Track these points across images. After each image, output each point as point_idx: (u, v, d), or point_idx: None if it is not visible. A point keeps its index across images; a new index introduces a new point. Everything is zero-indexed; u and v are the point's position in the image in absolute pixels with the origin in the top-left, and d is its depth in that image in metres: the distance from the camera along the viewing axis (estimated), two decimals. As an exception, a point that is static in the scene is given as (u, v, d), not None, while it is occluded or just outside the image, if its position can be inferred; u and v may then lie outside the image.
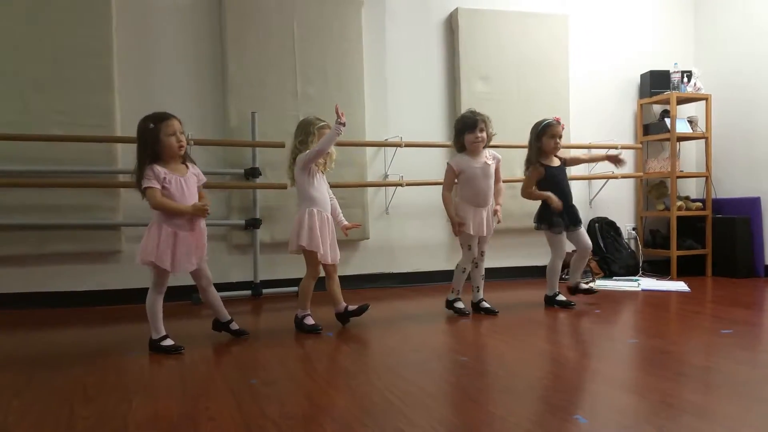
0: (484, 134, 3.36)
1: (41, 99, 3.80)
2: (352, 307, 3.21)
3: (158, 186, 2.66)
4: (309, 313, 3.14)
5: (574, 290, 3.76)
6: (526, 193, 3.65)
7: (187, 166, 2.80)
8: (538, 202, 3.70)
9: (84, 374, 2.36)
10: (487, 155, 3.43)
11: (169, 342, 2.74)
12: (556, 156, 3.66)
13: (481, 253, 3.53)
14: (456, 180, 3.45)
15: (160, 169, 2.67)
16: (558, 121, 3.60)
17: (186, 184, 2.73)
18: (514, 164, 4.52)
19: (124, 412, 1.91)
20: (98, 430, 1.77)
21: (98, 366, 2.49)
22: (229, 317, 2.97)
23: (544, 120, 3.62)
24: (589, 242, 3.67)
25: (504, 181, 3.94)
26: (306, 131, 3.09)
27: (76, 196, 3.85)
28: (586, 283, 3.89)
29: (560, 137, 3.59)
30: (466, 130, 3.37)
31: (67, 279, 3.93)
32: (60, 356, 2.68)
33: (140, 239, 3.92)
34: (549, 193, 3.56)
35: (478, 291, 3.56)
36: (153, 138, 2.67)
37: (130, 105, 4.01)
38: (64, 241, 3.87)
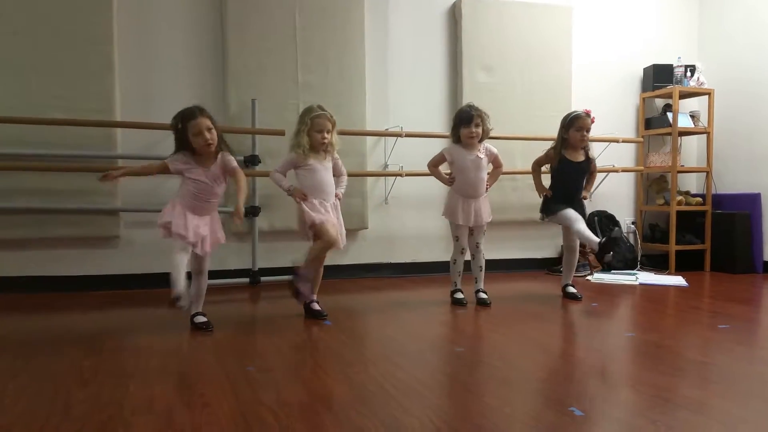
0: (480, 129, 3.39)
1: (41, 83, 3.78)
2: (315, 307, 3.15)
3: (171, 168, 2.76)
4: (308, 276, 3.11)
5: (563, 291, 3.73)
6: (532, 169, 3.73)
7: (215, 160, 2.81)
8: (537, 195, 3.71)
9: (81, 358, 2.36)
10: (481, 149, 3.45)
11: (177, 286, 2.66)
12: (583, 149, 3.62)
13: (476, 245, 3.53)
14: (451, 170, 3.52)
15: (189, 161, 2.76)
16: (588, 114, 3.57)
17: (207, 176, 2.78)
18: (515, 156, 4.51)
19: (120, 396, 1.91)
20: (94, 414, 1.77)
21: (95, 350, 2.49)
22: (198, 311, 2.91)
23: (574, 111, 3.62)
24: (575, 243, 3.67)
25: (504, 173, 3.94)
26: (302, 120, 3.08)
27: (75, 180, 3.84)
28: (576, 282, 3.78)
29: (588, 130, 3.55)
30: (462, 124, 3.40)
31: (65, 263, 3.92)
32: (57, 340, 2.68)
33: (138, 225, 4.00)
34: (540, 186, 3.66)
35: (477, 282, 3.58)
36: (182, 137, 2.75)
37: (129, 90, 4.00)
38: (63, 226, 3.86)
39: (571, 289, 3.70)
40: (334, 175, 3.18)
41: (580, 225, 3.47)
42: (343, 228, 3.18)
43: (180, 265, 2.71)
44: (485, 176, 3.48)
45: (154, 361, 2.36)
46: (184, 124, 2.72)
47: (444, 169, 3.58)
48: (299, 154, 3.05)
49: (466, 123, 3.39)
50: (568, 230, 3.63)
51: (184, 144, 2.76)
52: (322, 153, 3.11)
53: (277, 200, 4.18)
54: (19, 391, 1.99)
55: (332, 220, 3.08)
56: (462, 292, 3.55)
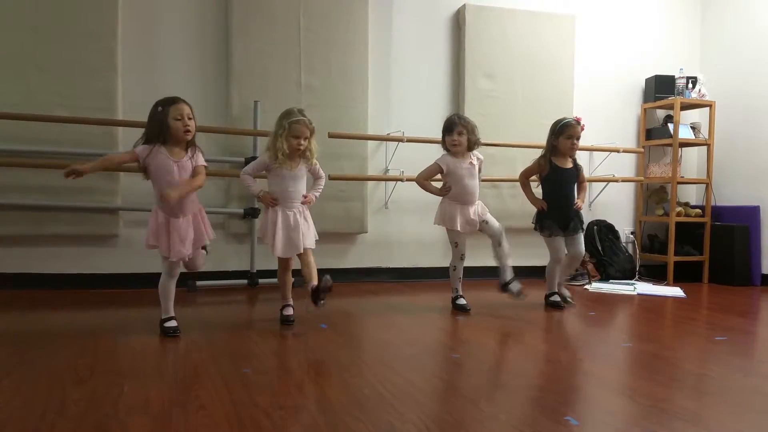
0: (463, 138, 3.41)
1: (44, 80, 3.78)
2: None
3: (138, 153, 2.69)
4: (286, 301, 3.12)
5: (546, 298, 3.73)
6: (521, 182, 3.74)
7: (187, 154, 2.77)
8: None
9: (76, 357, 2.35)
10: (472, 157, 3.49)
11: (170, 324, 2.77)
12: (570, 157, 3.65)
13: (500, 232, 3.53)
14: (443, 180, 3.52)
15: (160, 150, 2.70)
16: (578, 122, 3.58)
17: (179, 167, 2.72)
18: (516, 163, 4.51)
19: (115, 396, 1.91)
20: (89, 414, 1.76)
21: (91, 349, 2.48)
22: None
23: (564, 118, 3.61)
24: (581, 251, 3.65)
25: (504, 180, 3.92)
26: (279, 123, 2.98)
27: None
28: (569, 295, 3.78)
29: (578, 138, 3.57)
30: (446, 132, 3.47)
31: (64, 261, 3.92)
32: (53, 338, 2.67)
33: (138, 224, 3.99)
34: (534, 198, 3.67)
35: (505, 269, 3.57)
36: (160, 121, 2.69)
37: (132, 89, 4.00)
38: (62, 223, 3.85)
39: (556, 298, 3.70)
40: (312, 176, 3.12)
41: (555, 266, 3.66)
42: (310, 230, 3.05)
43: (169, 293, 2.79)
44: (478, 183, 3.51)
45: (150, 361, 2.36)
46: (165, 108, 2.68)
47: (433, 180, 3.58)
48: (272, 158, 2.97)
49: (448, 131, 3.45)
50: (570, 243, 3.63)
51: (159, 130, 2.68)
52: (297, 159, 3.02)
53: (277, 202, 4.18)
54: (14, 388, 1.98)
55: (293, 233, 2.99)
56: (464, 299, 3.55)
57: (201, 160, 2.81)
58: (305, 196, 3.05)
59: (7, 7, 3.74)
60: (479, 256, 4.10)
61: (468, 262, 3.59)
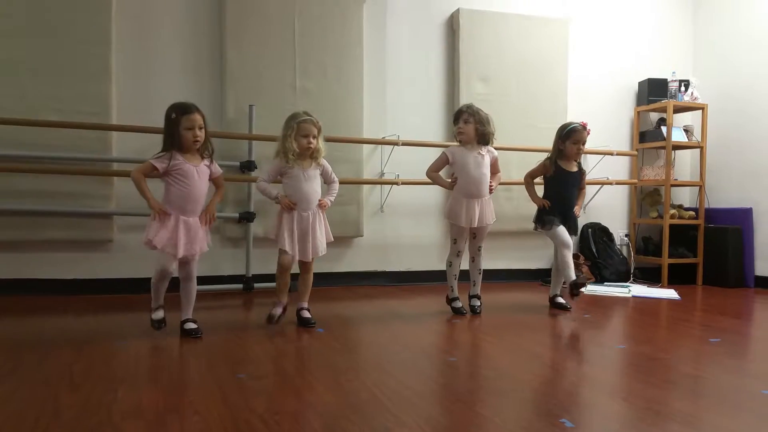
0: (468, 127, 3.40)
1: (38, 85, 3.77)
2: (305, 315, 3.13)
3: (158, 167, 2.75)
4: (279, 301, 3.11)
5: (551, 301, 3.75)
6: (525, 182, 3.75)
7: (202, 157, 2.86)
8: (533, 204, 3.72)
9: (71, 362, 2.34)
10: (482, 149, 3.45)
11: (156, 315, 2.84)
12: (576, 161, 3.67)
13: (478, 248, 3.55)
14: (452, 172, 3.50)
15: (177, 157, 2.77)
16: (584, 127, 3.61)
17: (198, 172, 2.81)
18: (511, 167, 4.52)
19: (110, 401, 1.90)
20: (83, 419, 1.75)
21: (85, 354, 2.47)
22: (188, 317, 2.88)
23: (571, 123, 3.65)
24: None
25: (499, 184, 3.92)
26: (288, 125, 3.06)
27: (70, 183, 3.82)
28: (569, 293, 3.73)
29: (584, 143, 3.60)
30: (453, 123, 3.51)
31: (58, 266, 3.90)
32: (47, 343, 2.66)
33: (132, 229, 3.98)
34: (537, 197, 3.68)
35: (474, 286, 3.58)
36: (173, 128, 2.78)
37: (126, 94, 4.00)
38: (56, 228, 3.83)
39: (560, 300, 3.71)
40: (324, 183, 3.19)
41: (567, 252, 3.54)
42: (323, 237, 3.09)
43: (160, 289, 2.84)
44: (488, 173, 3.45)
45: (144, 367, 2.35)
46: (178, 116, 2.76)
47: (444, 175, 3.58)
48: (283, 160, 3.04)
49: (455, 121, 3.48)
50: None
51: (172, 137, 2.77)
52: (308, 160, 3.08)
53: (272, 206, 4.15)
54: (9, 393, 1.97)
55: (307, 237, 3.03)
56: (460, 301, 3.55)
57: (220, 172, 2.96)
58: (321, 201, 3.11)
59: (1, 12, 3.73)
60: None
61: (465, 264, 3.58)
